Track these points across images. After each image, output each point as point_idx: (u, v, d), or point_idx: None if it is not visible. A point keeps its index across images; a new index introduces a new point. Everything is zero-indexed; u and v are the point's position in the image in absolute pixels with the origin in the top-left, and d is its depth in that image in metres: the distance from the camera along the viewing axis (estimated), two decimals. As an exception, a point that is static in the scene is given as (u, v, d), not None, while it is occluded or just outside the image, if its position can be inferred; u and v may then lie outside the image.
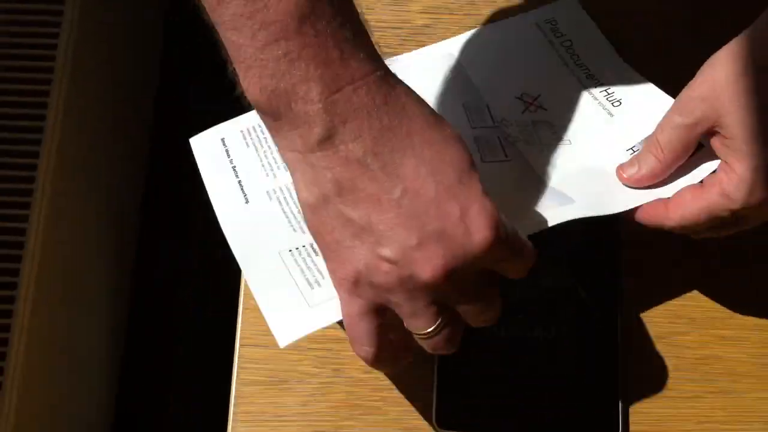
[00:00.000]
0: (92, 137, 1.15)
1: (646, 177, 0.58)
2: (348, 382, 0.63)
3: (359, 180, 0.45)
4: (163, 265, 1.46)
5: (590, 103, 0.64)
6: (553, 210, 0.56)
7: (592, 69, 0.66)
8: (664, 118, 0.57)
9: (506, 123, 0.63)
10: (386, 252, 0.45)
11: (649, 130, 0.58)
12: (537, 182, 0.60)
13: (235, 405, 0.62)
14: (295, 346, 0.63)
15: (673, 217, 0.56)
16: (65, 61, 1.03)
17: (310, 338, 0.63)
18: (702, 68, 0.55)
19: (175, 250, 1.46)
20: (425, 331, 0.49)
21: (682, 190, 0.56)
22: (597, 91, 0.65)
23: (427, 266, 0.45)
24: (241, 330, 0.64)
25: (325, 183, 0.45)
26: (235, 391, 0.62)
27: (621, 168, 0.59)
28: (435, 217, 0.45)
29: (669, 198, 0.57)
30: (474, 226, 0.46)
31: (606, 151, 0.61)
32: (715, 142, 0.55)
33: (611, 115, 0.63)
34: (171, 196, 1.44)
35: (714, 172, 0.55)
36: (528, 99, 0.65)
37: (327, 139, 0.45)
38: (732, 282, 0.66)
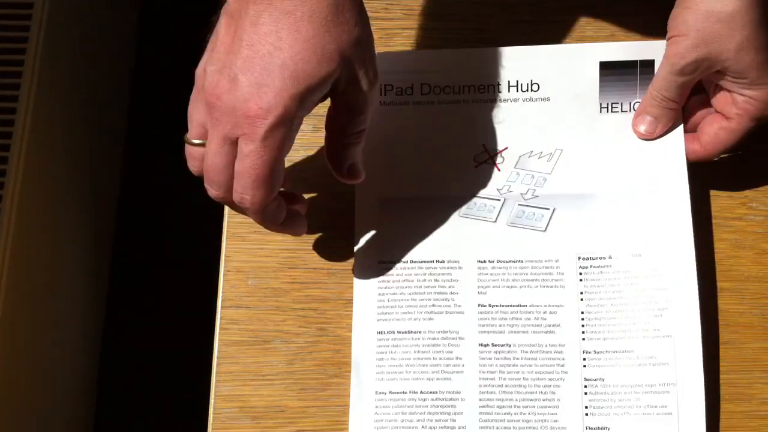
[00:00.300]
0: (67, 113, 1.14)
1: (664, 130, 0.63)
2: (334, 341, 0.61)
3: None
4: (145, 227, 1.45)
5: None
6: None
7: None
8: (664, 76, 0.60)
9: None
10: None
11: None
12: None
13: (217, 364, 0.60)
14: (278, 307, 0.61)
15: (712, 152, 0.62)
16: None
17: (294, 299, 0.61)
18: (674, 20, 0.58)
19: (156, 214, 1.45)
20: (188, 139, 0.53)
21: (713, 128, 0.61)
22: None
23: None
24: (222, 291, 0.62)
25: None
26: (218, 351, 0.60)
27: (639, 128, 0.63)
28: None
29: (698, 137, 0.62)
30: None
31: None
32: (720, 79, 0.59)
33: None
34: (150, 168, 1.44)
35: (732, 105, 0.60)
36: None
37: None
38: (730, 233, 0.64)
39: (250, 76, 0.49)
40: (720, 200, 0.65)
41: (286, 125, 0.49)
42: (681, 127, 0.62)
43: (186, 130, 0.54)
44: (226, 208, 0.63)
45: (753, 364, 0.62)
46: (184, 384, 1.26)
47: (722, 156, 0.63)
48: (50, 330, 1.13)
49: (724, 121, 0.60)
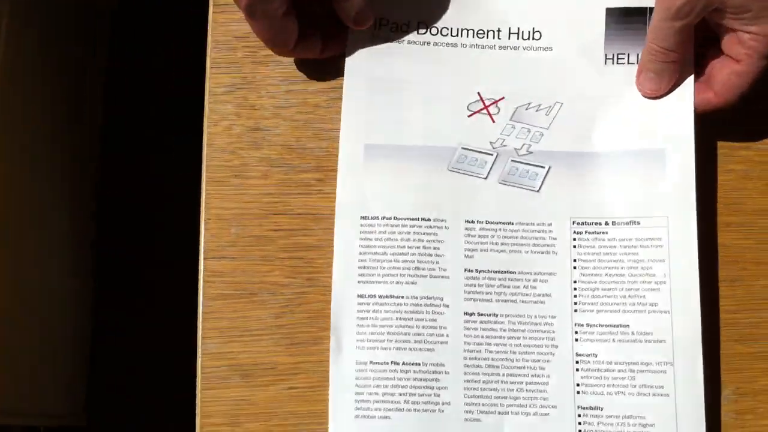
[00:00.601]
0: (48, 112, 1.10)
1: (669, 86, 0.58)
2: (324, 291, 0.58)
3: None
4: (134, 228, 1.42)
5: None
6: None
7: None
8: (658, 24, 0.56)
9: None
10: None
11: None
12: None
13: (203, 321, 0.57)
14: (263, 257, 0.58)
15: (727, 99, 0.57)
16: None
17: (279, 247, 0.58)
18: None
19: (147, 215, 1.43)
20: None
21: (723, 74, 0.57)
22: None
23: None
24: (204, 242, 0.58)
25: None
26: (203, 306, 0.57)
27: (644, 87, 0.59)
28: None
29: (710, 85, 0.58)
30: None
31: None
32: (722, 18, 0.55)
33: None
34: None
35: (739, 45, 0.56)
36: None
37: None
38: (737, 164, 0.61)
39: None
40: (727, 129, 0.62)
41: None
42: (691, 83, 0.58)
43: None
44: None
45: (763, 302, 0.59)
46: (174, 385, 1.24)
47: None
48: (39, 330, 1.11)
49: (734, 64, 0.56)
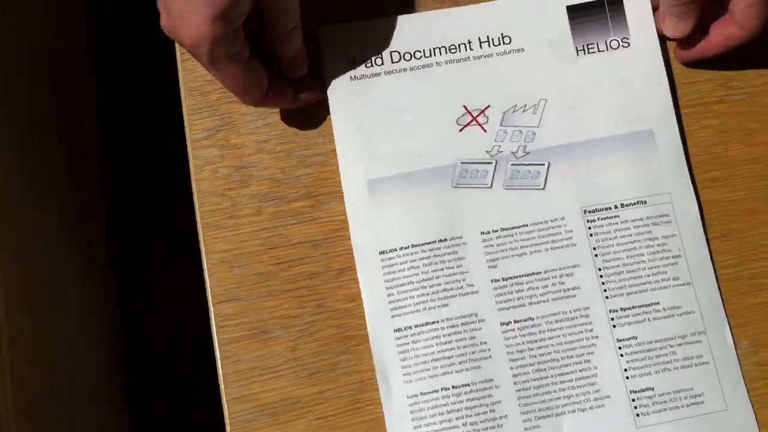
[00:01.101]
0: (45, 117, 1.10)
1: (695, 23, 0.59)
2: (334, 316, 0.59)
3: None
4: (137, 229, 1.42)
5: None
6: None
7: None
8: None
9: None
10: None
11: None
12: None
13: (222, 366, 0.58)
14: (269, 292, 0.59)
15: (750, 31, 0.57)
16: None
17: (283, 279, 0.59)
18: None
19: (148, 215, 1.43)
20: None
21: (740, 6, 0.56)
22: None
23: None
24: (210, 287, 0.59)
25: None
26: (219, 351, 0.58)
27: (670, 30, 0.60)
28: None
29: (732, 20, 0.58)
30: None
31: None
32: None
33: None
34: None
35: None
36: None
37: None
38: (713, 119, 0.62)
39: (174, 5, 0.51)
40: (698, 86, 0.62)
41: (222, 45, 0.52)
42: (659, 56, 0.61)
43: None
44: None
45: (763, 250, 0.60)
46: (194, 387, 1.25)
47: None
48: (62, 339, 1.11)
49: None
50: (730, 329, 0.58)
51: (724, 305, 0.59)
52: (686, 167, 0.60)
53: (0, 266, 0.92)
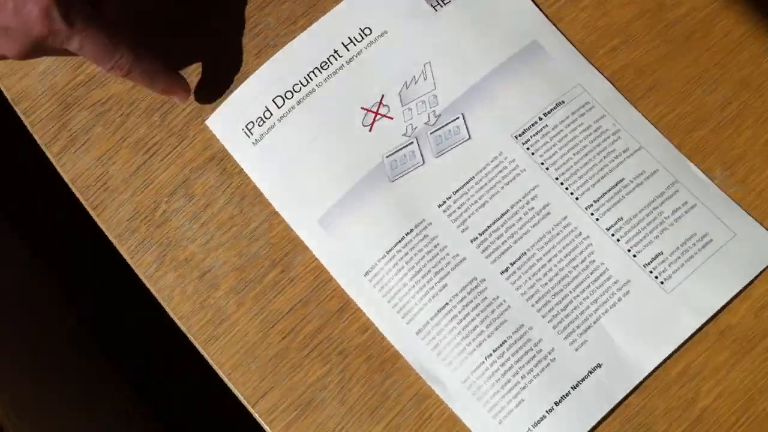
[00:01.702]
0: None
1: None
2: (358, 352, 0.60)
3: None
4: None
5: None
6: None
7: None
8: None
9: None
10: None
11: None
12: None
13: (291, 455, 0.58)
14: (293, 366, 0.59)
15: None
16: None
17: (297, 348, 0.60)
18: None
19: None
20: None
21: None
22: None
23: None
24: (240, 393, 0.60)
25: None
26: (282, 446, 0.59)
27: None
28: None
29: None
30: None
31: None
32: None
33: None
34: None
35: None
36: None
37: None
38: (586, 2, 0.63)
39: None
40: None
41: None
42: None
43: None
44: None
45: (685, 90, 0.61)
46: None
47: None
48: None
49: None
50: (698, 167, 0.59)
51: (680, 150, 0.60)
52: (580, 54, 0.61)
53: None
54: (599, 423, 0.57)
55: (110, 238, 0.63)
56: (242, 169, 0.62)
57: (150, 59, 0.60)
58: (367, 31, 0.62)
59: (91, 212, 0.64)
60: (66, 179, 0.64)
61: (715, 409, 0.57)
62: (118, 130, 0.64)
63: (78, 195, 0.64)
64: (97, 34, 0.56)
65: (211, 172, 0.63)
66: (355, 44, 0.62)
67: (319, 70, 0.62)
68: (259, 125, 0.62)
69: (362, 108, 0.61)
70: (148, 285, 0.62)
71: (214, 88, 0.64)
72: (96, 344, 1.35)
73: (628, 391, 0.57)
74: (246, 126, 0.62)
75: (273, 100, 0.62)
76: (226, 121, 0.63)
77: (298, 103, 0.62)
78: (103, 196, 0.63)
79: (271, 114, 0.62)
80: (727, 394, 0.57)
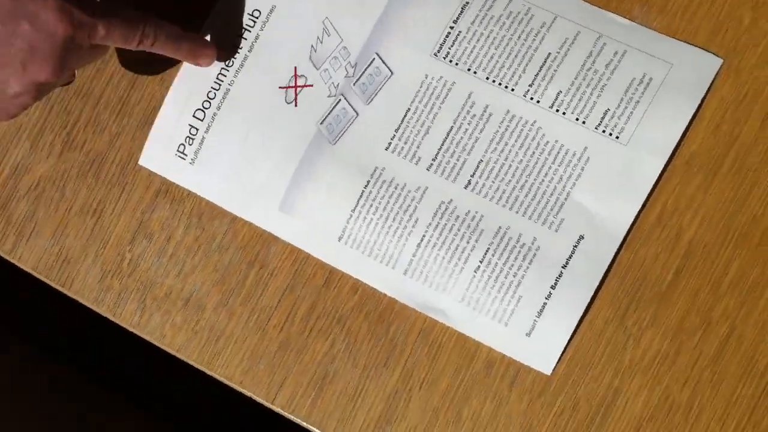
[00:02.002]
0: None
1: None
2: (356, 314, 0.59)
3: None
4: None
5: None
6: None
7: None
8: None
9: None
10: None
11: None
12: None
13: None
14: (297, 350, 0.59)
15: None
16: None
17: (297, 332, 0.60)
18: None
19: None
20: None
21: None
22: None
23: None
24: (256, 395, 0.60)
25: None
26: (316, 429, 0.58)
27: None
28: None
29: None
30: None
31: None
32: None
33: None
34: None
35: None
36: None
37: None
38: None
39: None
40: None
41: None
42: None
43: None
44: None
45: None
46: None
47: None
48: None
49: None
50: (615, 13, 0.59)
51: (593, 4, 0.59)
52: None
53: None
54: (597, 292, 0.56)
55: (88, 305, 0.63)
56: (189, 191, 0.63)
57: (170, 25, 0.59)
58: (256, 14, 0.63)
59: (61, 289, 0.63)
60: (27, 269, 0.64)
61: (701, 236, 0.56)
62: (60, 205, 0.64)
63: (43, 279, 0.64)
64: (118, 13, 0.55)
65: (161, 206, 0.63)
66: (249, 30, 0.63)
67: (226, 69, 0.63)
68: (189, 144, 0.63)
69: (280, 87, 0.62)
70: (138, 333, 0.62)
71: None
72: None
73: (615, 251, 0.56)
74: (178, 150, 0.63)
75: (194, 115, 0.63)
76: (157, 153, 0.63)
77: (218, 108, 0.63)
78: (67, 270, 0.63)
79: (197, 129, 0.63)
80: (707, 219, 0.56)
